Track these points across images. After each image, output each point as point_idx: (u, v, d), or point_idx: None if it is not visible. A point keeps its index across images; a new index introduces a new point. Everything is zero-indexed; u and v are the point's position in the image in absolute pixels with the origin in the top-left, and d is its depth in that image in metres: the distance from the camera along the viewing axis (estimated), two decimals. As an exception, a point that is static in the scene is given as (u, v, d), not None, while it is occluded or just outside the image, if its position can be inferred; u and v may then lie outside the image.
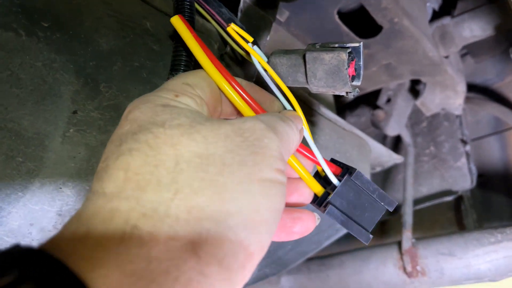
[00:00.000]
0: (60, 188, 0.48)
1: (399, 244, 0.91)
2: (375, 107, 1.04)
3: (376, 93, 1.10)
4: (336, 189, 0.38)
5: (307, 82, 0.44)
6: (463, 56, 1.28)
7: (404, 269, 0.89)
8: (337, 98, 1.06)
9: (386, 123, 1.00)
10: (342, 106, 1.32)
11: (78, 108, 0.40)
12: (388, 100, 1.04)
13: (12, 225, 0.52)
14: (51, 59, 0.36)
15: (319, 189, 0.39)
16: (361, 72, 0.44)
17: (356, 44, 0.42)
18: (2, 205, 0.48)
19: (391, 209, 0.38)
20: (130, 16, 0.43)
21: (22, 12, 0.34)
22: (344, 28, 0.78)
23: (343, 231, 0.78)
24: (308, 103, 0.64)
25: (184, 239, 0.21)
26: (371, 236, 0.36)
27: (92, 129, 0.43)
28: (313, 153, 0.39)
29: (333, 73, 0.42)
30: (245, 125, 0.27)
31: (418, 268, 0.87)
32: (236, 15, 0.54)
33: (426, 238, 0.90)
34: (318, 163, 0.39)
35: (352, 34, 0.80)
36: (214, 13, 0.51)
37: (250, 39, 0.41)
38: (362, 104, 1.33)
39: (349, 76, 0.42)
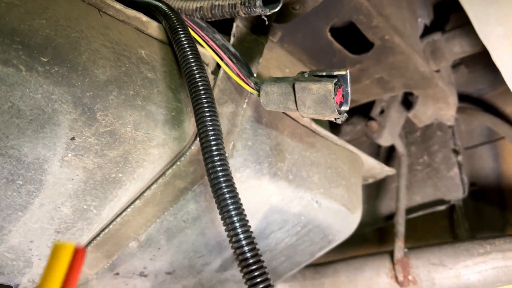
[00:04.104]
0: (59, 207, 0.50)
1: (392, 253, 0.93)
2: (369, 118, 1.06)
3: (371, 102, 1.12)
4: None
5: (297, 109, 0.46)
6: (456, 66, 1.30)
7: (396, 279, 0.90)
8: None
9: (380, 135, 1.02)
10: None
11: (76, 135, 0.42)
12: (382, 112, 1.06)
13: (13, 242, 0.54)
14: (49, 91, 0.38)
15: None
16: (349, 97, 0.46)
17: (343, 72, 0.44)
18: (4, 224, 0.50)
19: None
20: (126, 45, 0.45)
21: (22, 48, 0.36)
22: (337, 45, 0.80)
23: (336, 242, 0.80)
24: (298, 119, 0.66)
25: None
26: None
27: (89, 154, 0.45)
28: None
29: (321, 102, 0.43)
30: None
31: (410, 277, 0.89)
32: (229, 39, 0.56)
33: (418, 248, 0.92)
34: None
35: (344, 51, 0.82)
36: (208, 39, 0.53)
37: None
38: (358, 113, 1.35)
39: (337, 103, 0.44)
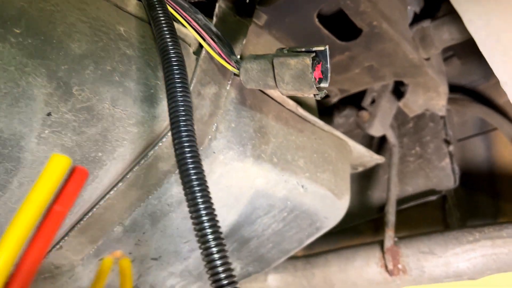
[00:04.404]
0: (39, 187, 0.50)
1: (382, 243, 0.93)
2: (360, 108, 1.06)
3: (364, 94, 1.12)
4: None
5: (276, 85, 0.46)
6: (449, 58, 1.30)
7: (386, 268, 0.90)
8: (323, 98, 1.08)
9: (370, 124, 1.01)
10: (331, 107, 1.33)
11: (52, 110, 0.42)
12: (373, 101, 1.05)
13: (-6, 223, 0.53)
14: (23, 64, 0.38)
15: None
16: (329, 74, 0.45)
17: (322, 48, 0.44)
18: (-17, 204, 0.50)
19: None
20: (103, 21, 0.44)
21: (-6, 19, 0.36)
22: (325, 31, 0.80)
23: (324, 229, 0.80)
24: (283, 103, 0.66)
25: None
26: None
27: (67, 130, 0.44)
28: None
29: (299, 77, 0.43)
30: None
31: (399, 266, 0.89)
32: (212, 20, 0.56)
33: (408, 237, 0.92)
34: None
35: (333, 37, 0.81)
36: (190, 19, 0.53)
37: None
38: (351, 105, 1.35)
39: (316, 79, 0.44)
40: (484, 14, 0.43)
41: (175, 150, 0.40)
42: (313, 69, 0.43)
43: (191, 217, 0.40)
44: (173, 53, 0.42)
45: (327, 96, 1.06)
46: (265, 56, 0.46)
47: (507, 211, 1.06)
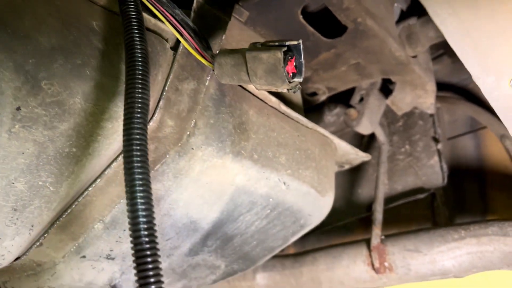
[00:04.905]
0: (13, 183, 0.49)
1: (369, 241, 0.92)
2: (349, 106, 1.05)
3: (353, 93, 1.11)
4: None
5: (250, 80, 0.46)
6: (439, 56, 1.30)
7: (373, 266, 0.90)
8: (312, 97, 1.07)
9: (358, 122, 1.01)
10: (321, 106, 1.33)
11: (22, 104, 0.41)
12: (361, 100, 1.05)
13: (-31, 220, 0.53)
14: (-11, 57, 0.37)
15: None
16: (303, 69, 0.45)
17: (295, 42, 0.44)
18: (-43, 200, 0.49)
19: None
20: (75, 15, 0.44)
21: (-42, 11, 0.36)
22: (310, 28, 0.80)
23: (309, 226, 0.80)
24: (266, 100, 0.65)
25: None
26: None
27: (38, 125, 0.44)
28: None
29: (271, 71, 0.43)
30: None
31: (386, 264, 0.88)
32: (190, 16, 0.55)
33: (395, 235, 0.92)
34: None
35: (318, 35, 0.81)
36: (167, 14, 0.52)
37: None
38: (341, 104, 1.34)
39: (289, 73, 0.44)
40: (452, 7, 0.43)
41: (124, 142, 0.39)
42: (285, 63, 0.42)
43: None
44: (138, 49, 0.42)
45: (314, 94, 1.06)
46: (239, 50, 0.45)
47: (495, 209, 1.06)
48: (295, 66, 0.44)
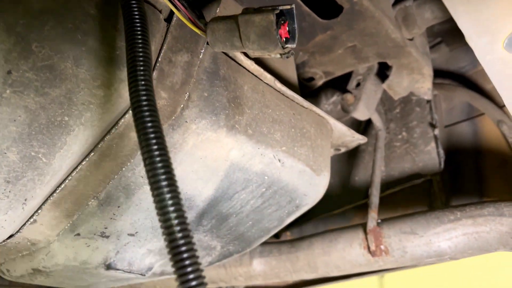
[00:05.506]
0: (5, 153, 0.49)
1: (365, 225, 0.92)
2: (345, 91, 1.05)
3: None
4: None
5: (242, 45, 0.45)
6: (437, 44, 1.29)
7: (369, 249, 0.90)
8: (309, 82, 1.07)
9: (355, 107, 1.01)
10: (318, 93, 1.33)
11: (12, 68, 0.41)
12: (358, 85, 1.05)
13: (-39, 190, 0.52)
14: (-22, 16, 0.37)
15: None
16: (296, 34, 0.45)
17: (288, 6, 0.44)
18: None
19: None
20: (66, -21, 0.44)
21: None
22: (305, 8, 0.79)
23: (304, 207, 0.79)
24: (260, 76, 0.65)
25: None
26: None
27: (29, 91, 0.44)
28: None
29: (264, 35, 0.43)
30: None
31: (382, 247, 0.88)
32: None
33: (391, 218, 0.91)
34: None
35: (313, 15, 0.81)
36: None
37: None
38: (339, 92, 1.34)
39: (282, 37, 0.44)
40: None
41: (133, 115, 0.38)
42: (278, 27, 0.42)
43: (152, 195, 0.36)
44: (135, 8, 0.41)
45: (311, 79, 1.05)
46: (231, 16, 0.45)
47: (492, 194, 1.06)
48: (288, 31, 0.44)
